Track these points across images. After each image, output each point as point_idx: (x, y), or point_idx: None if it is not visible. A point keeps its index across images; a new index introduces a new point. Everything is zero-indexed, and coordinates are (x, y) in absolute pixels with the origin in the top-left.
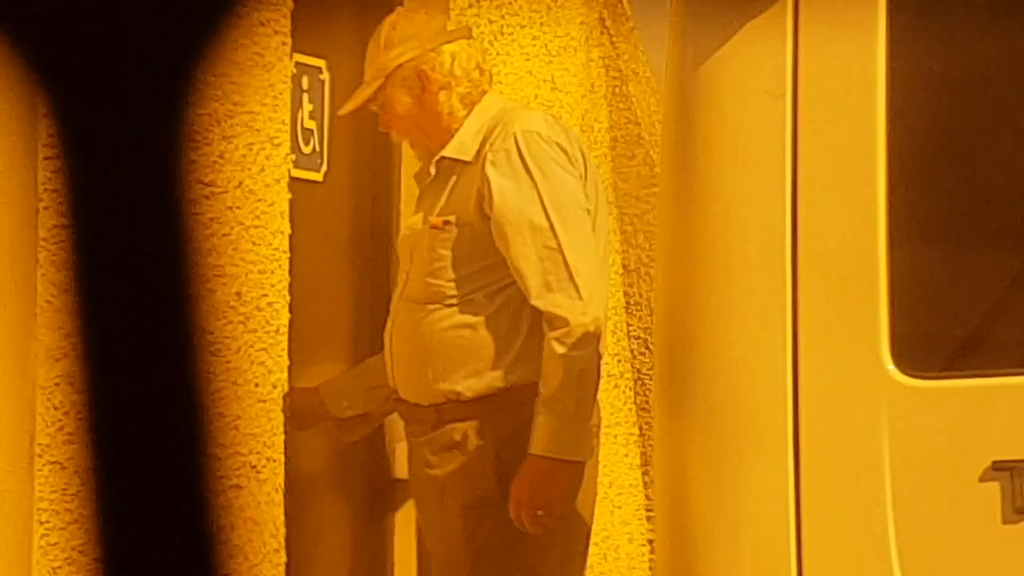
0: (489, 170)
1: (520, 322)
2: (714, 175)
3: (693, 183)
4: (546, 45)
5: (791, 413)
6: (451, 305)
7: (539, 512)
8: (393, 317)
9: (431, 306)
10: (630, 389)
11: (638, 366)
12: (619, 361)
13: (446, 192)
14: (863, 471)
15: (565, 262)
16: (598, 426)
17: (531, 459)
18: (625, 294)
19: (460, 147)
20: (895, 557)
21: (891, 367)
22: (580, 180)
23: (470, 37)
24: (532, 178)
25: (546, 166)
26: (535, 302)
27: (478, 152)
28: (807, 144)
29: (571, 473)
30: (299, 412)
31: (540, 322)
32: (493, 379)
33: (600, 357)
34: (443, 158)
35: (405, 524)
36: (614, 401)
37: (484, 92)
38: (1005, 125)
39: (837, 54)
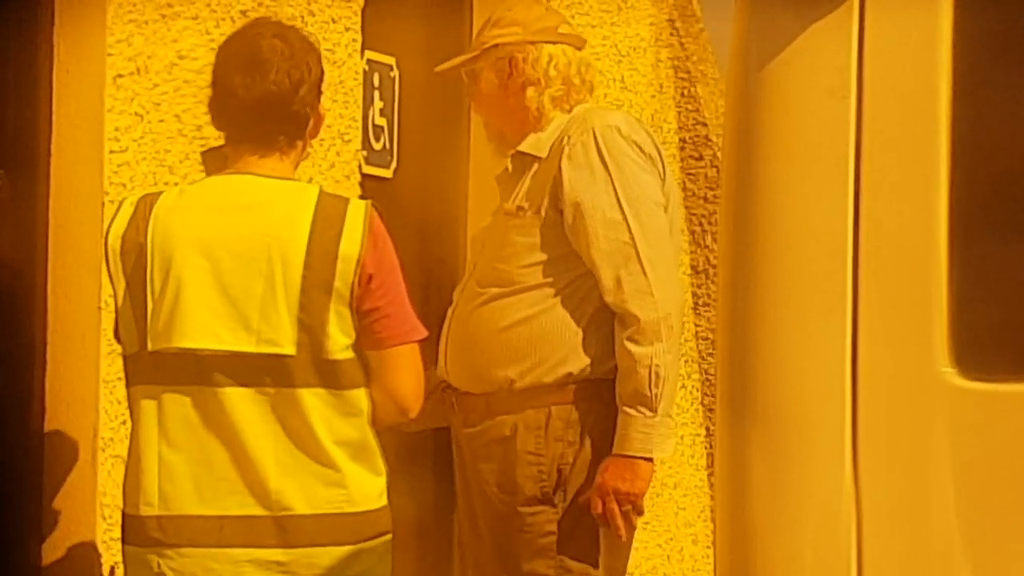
0: (564, 163)
1: (580, 317)
2: (776, 176)
3: (755, 184)
4: (616, 45)
5: (849, 415)
6: (515, 293)
7: (626, 508)
8: (454, 306)
9: (495, 290)
10: (697, 390)
11: (705, 367)
12: (686, 362)
13: (520, 184)
14: (922, 474)
15: (638, 256)
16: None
17: (618, 458)
18: (693, 295)
19: (536, 143)
20: (958, 560)
21: (947, 369)
22: (657, 178)
23: (580, 46)
24: (608, 172)
25: (623, 161)
26: (607, 299)
27: (552, 148)
28: (870, 145)
29: (652, 469)
30: None
31: (598, 319)
32: (544, 372)
33: (674, 353)
34: (518, 152)
35: None
36: (680, 402)
37: (580, 102)
38: None
39: (902, 56)
